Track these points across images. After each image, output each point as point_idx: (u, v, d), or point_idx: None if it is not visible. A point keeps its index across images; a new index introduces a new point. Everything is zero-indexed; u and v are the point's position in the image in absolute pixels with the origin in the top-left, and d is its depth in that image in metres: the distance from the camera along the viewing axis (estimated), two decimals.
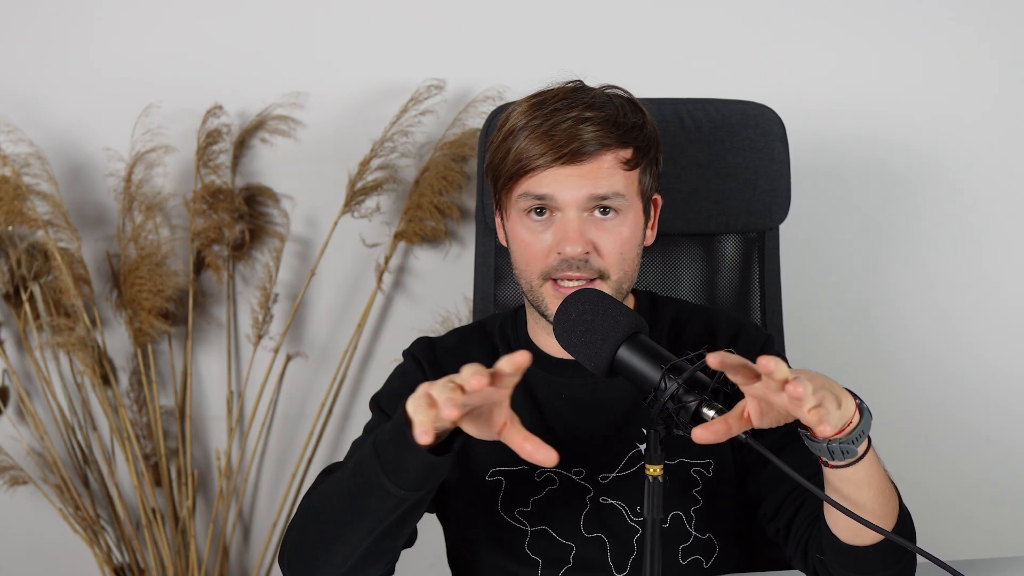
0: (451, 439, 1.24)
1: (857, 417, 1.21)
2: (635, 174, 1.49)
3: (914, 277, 2.40)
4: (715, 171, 1.83)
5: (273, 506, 2.47)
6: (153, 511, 2.37)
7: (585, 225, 1.46)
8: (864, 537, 1.31)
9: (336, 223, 2.34)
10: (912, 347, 2.41)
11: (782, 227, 1.89)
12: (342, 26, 2.33)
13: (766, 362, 1.13)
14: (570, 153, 1.44)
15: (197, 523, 2.44)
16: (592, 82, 1.53)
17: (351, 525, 1.31)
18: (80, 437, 2.39)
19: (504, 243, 1.57)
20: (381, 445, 1.24)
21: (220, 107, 2.29)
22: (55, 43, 2.33)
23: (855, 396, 1.22)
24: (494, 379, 1.15)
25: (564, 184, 1.45)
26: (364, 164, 2.29)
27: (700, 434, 1.14)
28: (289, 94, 2.33)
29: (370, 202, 2.34)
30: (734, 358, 1.15)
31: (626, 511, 1.52)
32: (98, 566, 2.41)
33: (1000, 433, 2.46)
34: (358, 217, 2.34)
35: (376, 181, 2.31)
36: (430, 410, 1.16)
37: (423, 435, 1.15)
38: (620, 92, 1.53)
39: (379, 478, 1.24)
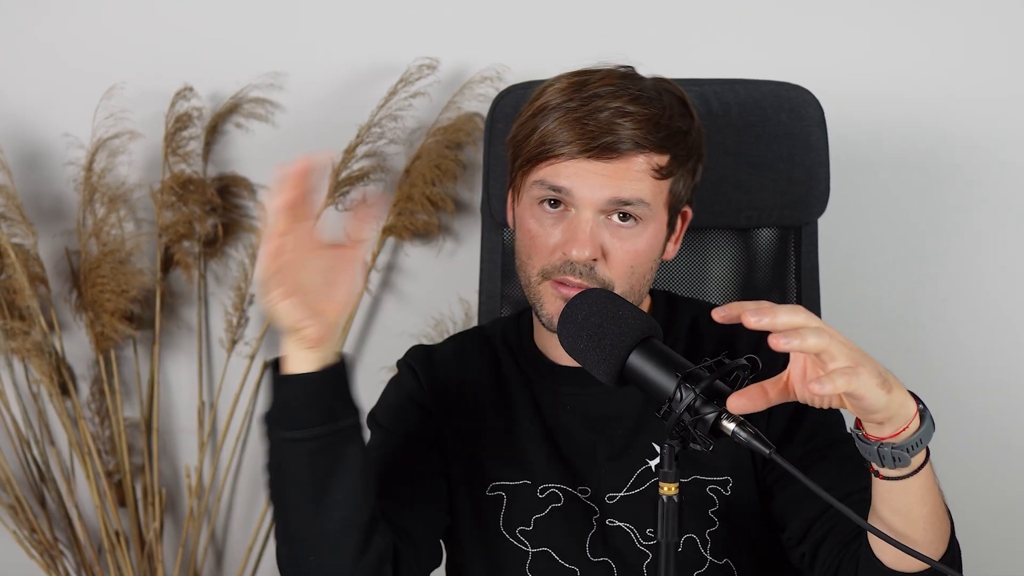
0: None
1: (917, 422, 1.16)
2: (666, 183, 1.45)
3: (965, 277, 2.36)
4: (746, 159, 1.80)
5: (248, 528, 2.44)
6: (116, 534, 2.36)
7: (598, 229, 1.43)
8: (911, 562, 1.26)
9: (318, 217, 2.25)
10: (961, 352, 2.38)
11: (821, 221, 1.87)
12: (325, 0, 2.30)
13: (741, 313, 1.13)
14: (600, 147, 1.40)
15: (165, 547, 2.42)
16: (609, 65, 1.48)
17: (291, 505, 1.33)
18: (36, 452, 2.38)
19: (511, 226, 1.55)
20: (265, 413, 1.32)
21: (190, 89, 2.27)
22: (7, 18, 2.31)
23: (919, 400, 1.18)
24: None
25: (585, 180, 1.41)
26: (349, 152, 2.26)
27: (736, 402, 1.14)
28: (267, 74, 2.29)
29: (356, 193, 2.29)
30: (736, 309, 1.14)
31: (635, 534, 1.50)
32: None
33: None
34: (342, 210, 2.29)
35: (362, 170, 2.28)
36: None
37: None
38: (672, 89, 1.49)
39: (278, 435, 1.29)
